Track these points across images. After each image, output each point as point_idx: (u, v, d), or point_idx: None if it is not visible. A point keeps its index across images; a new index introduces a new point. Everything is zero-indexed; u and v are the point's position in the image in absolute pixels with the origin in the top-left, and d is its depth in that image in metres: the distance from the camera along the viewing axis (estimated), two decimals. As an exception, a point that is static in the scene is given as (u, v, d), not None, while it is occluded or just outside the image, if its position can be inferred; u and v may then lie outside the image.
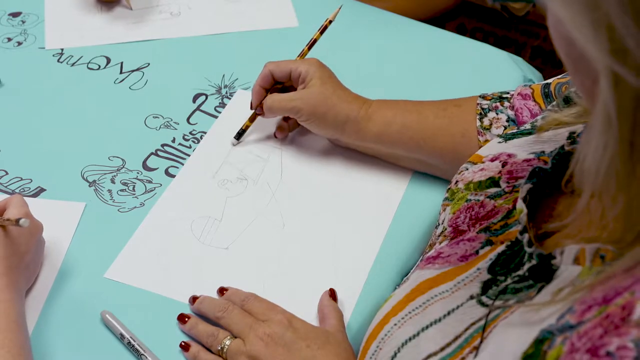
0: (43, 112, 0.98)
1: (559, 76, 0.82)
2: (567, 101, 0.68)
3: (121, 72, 1.04)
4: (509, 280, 0.56)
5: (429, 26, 1.14)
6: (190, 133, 0.96)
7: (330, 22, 0.94)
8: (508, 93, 0.86)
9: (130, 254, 0.82)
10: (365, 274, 0.81)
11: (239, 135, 0.94)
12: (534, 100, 0.82)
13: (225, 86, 1.02)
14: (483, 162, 0.70)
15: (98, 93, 1.01)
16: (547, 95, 0.81)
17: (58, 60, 1.06)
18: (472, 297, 0.57)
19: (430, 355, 0.55)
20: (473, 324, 0.55)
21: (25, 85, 1.02)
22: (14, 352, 0.65)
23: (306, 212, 0.87)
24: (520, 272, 0.55)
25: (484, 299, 0.56)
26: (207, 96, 1.01)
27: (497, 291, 0.56)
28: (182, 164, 0.92)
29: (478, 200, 0.66)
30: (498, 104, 0.85)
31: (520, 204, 0.59)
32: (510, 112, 0.84)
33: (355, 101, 0.87)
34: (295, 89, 0.90)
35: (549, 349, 0.45)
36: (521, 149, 0.67)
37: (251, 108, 0.92)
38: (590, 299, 0.45)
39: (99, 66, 1.05)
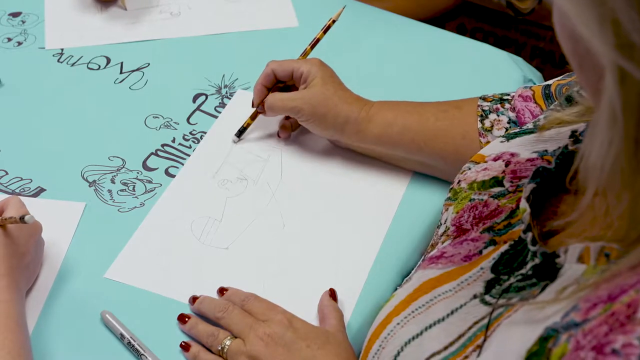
0: (43, 112, 0.98)
1: (559, 77, 0.82)
2: (569, 100, 0.68)
3: (121, 72, 1.04)
4: (512, 279, 0.56)
5: (429, 26, 1.14)
6: (190, 133, 0.96)
7: (334, 21, 0.94)
8: (509, 95, 0.86)
9: (130, 254, 0.82)
10: (365, 274, 0.81)
11: (240, 133, 0.94)
12: (535, 102, 0.82)
13: (225, 86, 1.02)
14: (486, 162, 0.70)
15: (98, 93, 1.01)
16: (547, 96, 0.81)
17: (58, 60, 1.06)
18: (475, 297, 0.57)
19: (433, 354, 0.55)
20: (476, 322, 0.55)
21: (25, 85, 1.02)
22: (14, 353, 0.65)
23: (306, 212, 0.87)
24: (523, 271, 0.55)
25: (487, 297, 0.56)
26: (207, 96, 1.01)
27: (501, 290, 0.56)
28: (182, 164, 0.92)
29: (482, 199, 0.66)
30: (499, 105, 0.85)
31: (524, 204, 0.59)
32: (512, 114, 0.84)
33: (356, 102, 0.87)
34: (297, 89, 0.90)
35: (553, 347, 0.45)
36: (524, 148, 0.67)
37: (252, 106, 0.92)
38: (595, 297, 0.45)
39: (99, 66, 1.05)
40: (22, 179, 0.89)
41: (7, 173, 0.90)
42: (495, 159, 0.69)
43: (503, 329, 0.52)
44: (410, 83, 1.03)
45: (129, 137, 0.95)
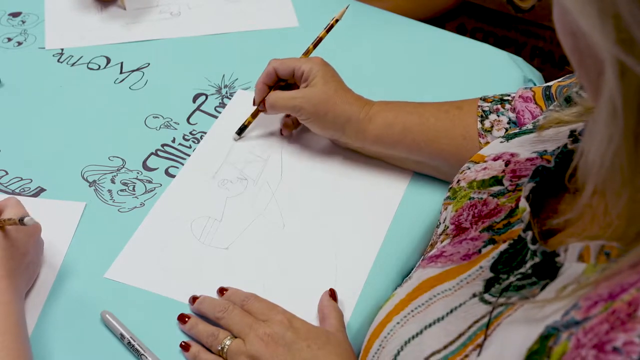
0: (43, 112, 0.98)
1: (560, 79, 0.82)
2: (568, 101, 0.68)
3: (121, 72, 1.04)
4: (512, 278, 0.56)
5: (429, 26, 1.14)
6: (190, 133, 0.96)
7: (337, 20, 0.93)
8: (509, 95, 0.86)
9: (130, 254, 0.82)
10: (365, 274, 0.81)
11: (241, 130, 0.94)
12: (535, 103, 0.82)
13: (225, 86, 1.02)
14: (485, 162, 0.70)
15: (98, 93, 1.01)
16: (548, 97, 0.81)
17: (58, 60, 1.06)
18: (474, 295, 0.57)
19: (433, 353, 0.55)
20: (476, 321, 0.55)
21: (25, 85, 1.01)
22: (14, 354, 0.65)
23: (306, 212, 0.87)
24: (523, 270, 0.55)
25: (486, 296, 0.56)
26: (207, 96, 1.01)
27: (500, 289, 0.56)
28: (182, 164, 0.92)
29: (481, 198, 0.66)
30: (499, 106, 0.85)
31: (524, 203, 0.59)
32: (512, 115, 0.84)
33: (356, 102, 0.87)
34: (298, 87, 0.90)
35: (554, 345, 0.45)
36: (523, 149, 0.67)
37: (254, 104, 0.92)
38: (596, 295, 0.45)
39: (99, 66, 1.05)
40: (22, 179, 0.89)
41: (7, 173, 0.90)
42: (495, 159, 0.69)
43: (503, 328, 0.52)
44: (410, 83, 1.03)
45: (129, 137, 0.95)
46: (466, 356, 0.53)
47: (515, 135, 0.71)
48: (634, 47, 0.39)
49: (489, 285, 0.57)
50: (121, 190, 0.88)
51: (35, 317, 0.75)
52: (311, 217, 0.86)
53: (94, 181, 0.89)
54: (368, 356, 0.61)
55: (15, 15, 1.13)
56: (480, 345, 0.53)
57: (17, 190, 0.88)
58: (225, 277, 0.80)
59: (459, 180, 0.71)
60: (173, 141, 0.94)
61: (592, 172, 0.44)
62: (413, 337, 0.57)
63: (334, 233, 0.85)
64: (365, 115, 0.87)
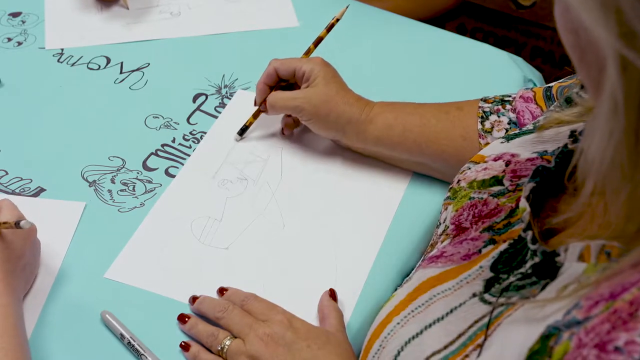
0: (43, 112, 0.98)
1: (561, 80, 0.82)
2: (569, 101, 0.68)
3: (121, 72, 1.04)
4: (512, 278, 0.56)
5: (429, 26, 1.14)
6: (190, 133, 0.96)
7: (338, 20, 0.93)
8: (510, 96, 0.86)
9: (130, 254, 0.82)
10: (365, 274, 0.81)
11: (242, 131, 0.94)
12: (536, 103, 0.82)
13: (225, 86, 1.02)
14: (486, 162, 0.70)
15: (98, 93, 1.01)
16: (549, 98, 0.81)
17: (58, 60, 1.06)
18: (474, 295, 0.57)
19: (433, 354, 0.55)
20: (476, 321, 0.55)
21: (25, 85, 1.02)
22: (12, 355, 0.65)
23: (306, 212, 0.87)
24: (523, 270, 0.55)
25: (486, 296, 0.56)
26: (207, 96, 1.01)
27: (500, 289, 0.56)
28: (182, 164, 0.92)
29: (481, 198, 0.66)
30: (500, 106, 0.85)
31: (524, 203, 0.59)
32: (512, 115, 0.84)
33: (357, 103, 0.87)
34: (299, 88, 0.89)
35: (555, 345, 0.45)
36: (524, 149, 0.67)
37: (255, 104, 0.92)
38: (597, 295, 0.45)
39: (99, 66, 1.05)
40: (22, 179, 0.89)
41: (7, 173, 0.90)
42: (495, 159, 0.69)
43: (504, 328, 0.52)
44: (410, 83, 1.03)
45: (129, 137, 0.95)
46: (466, 356, 0.53)
47: (516, 135, 0.71)
48: (635, 41, 0.39)
49: (489, 285, 0.57)
50: (121, 190, 0.88)
51: (35, 317, 0.75)
52: (311, 217, 0.86)
53: (94, 181, 0.89)
54: (368, 356, 0.61)
55: (15, 15, 1.13)
56: (481, 345, 0.53)
57: (17, 190, 0.88)
58: (225, 277, 0.80)
59: (459, 181, 0.71)
60: (173, 141, 0.94)
61: (592, 168, 0.44)
62: (413, 337, 0.57)
63: (334, 233, 0.85)
64: (365, 117, 0.87)
